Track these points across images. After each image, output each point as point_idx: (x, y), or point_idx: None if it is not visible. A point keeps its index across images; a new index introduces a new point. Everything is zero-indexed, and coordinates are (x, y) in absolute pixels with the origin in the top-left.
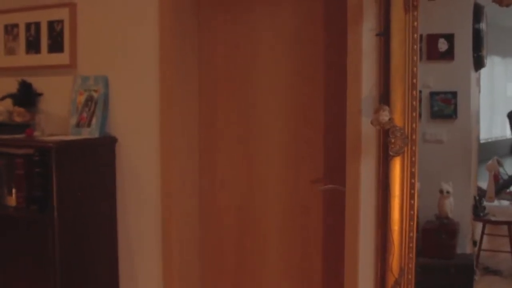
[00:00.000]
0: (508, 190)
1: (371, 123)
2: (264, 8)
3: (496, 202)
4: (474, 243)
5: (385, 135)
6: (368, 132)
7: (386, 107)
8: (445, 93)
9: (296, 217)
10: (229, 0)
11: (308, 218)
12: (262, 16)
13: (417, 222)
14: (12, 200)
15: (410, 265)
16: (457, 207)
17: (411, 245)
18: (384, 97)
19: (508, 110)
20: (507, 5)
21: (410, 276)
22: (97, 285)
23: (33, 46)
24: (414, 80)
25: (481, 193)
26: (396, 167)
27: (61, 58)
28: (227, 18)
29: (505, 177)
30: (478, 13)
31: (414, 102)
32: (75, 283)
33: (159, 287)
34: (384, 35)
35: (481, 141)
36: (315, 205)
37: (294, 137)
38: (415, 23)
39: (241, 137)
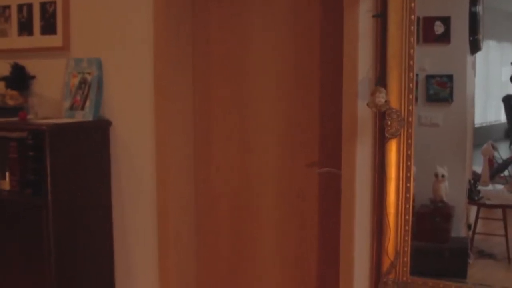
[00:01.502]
0: (502, 174)
1: (368, 105)
2: None
3: (490, 186)
4: (469, 226)
5: (381, 117)
6: (364, 114)
7: (383, 89)
8: (441, 76)
9: (292, 201)
10: None
11: (304, 202)
12: None
13: (413, 206)
14: (6, 184)
15: (405, 248)
16: (452, 191)
17: (406, 228)
18: (381, 79)
19: (503, 95)
20: None
21: (405, 259)
22: (92, 267)
23: (25, 28)
24: (411, 62)
25: (476, 177)
26: (392, 149)
27: (54, 40)
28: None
29: (500, 161)
30: None
31: (411, 84)
32: (69, 266)
33: (154, 272)
34: (381, 16)
35: (476, 126)
36: (311, 189)
37: (289, 122)
38: (412, 4)
39: (236, 122)
